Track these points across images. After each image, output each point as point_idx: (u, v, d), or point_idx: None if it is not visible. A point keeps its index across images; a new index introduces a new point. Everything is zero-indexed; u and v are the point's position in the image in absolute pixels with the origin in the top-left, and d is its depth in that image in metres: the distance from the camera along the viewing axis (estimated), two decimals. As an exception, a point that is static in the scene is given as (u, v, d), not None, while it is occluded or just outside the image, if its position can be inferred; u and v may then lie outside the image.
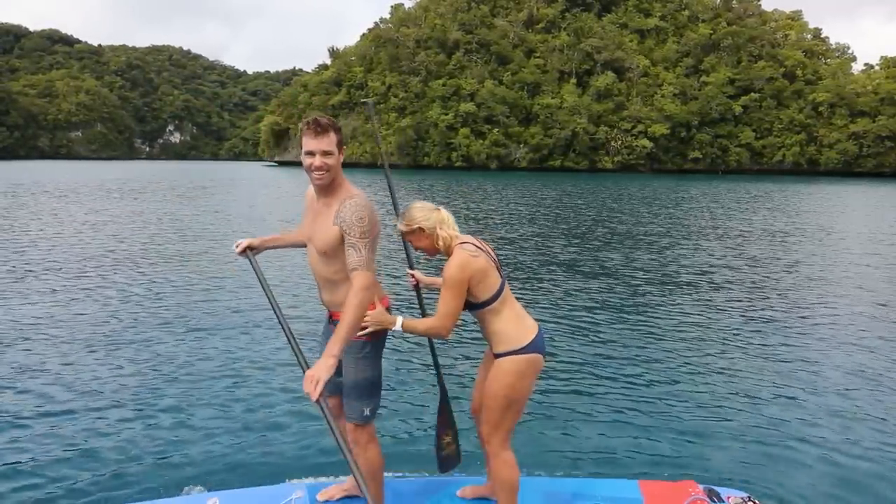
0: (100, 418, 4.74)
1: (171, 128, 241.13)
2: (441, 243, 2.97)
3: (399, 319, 2.92)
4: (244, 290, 9.43)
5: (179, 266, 11.50)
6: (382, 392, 3.14)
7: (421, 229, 2.97)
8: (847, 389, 5.66)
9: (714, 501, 3.45)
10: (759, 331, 7.62)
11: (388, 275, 10.85)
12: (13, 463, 4.06)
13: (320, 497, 3.38)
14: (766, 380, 5.89)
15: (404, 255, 3.40)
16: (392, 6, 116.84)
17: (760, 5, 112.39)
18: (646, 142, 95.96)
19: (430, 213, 2.99)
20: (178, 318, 7.73)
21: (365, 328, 2.87)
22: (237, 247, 3.22)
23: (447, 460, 3.49)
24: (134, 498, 3.60)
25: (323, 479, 3.75)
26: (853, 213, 26.74)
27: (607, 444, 4.53)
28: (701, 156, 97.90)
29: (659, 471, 4.12)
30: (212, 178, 55.45)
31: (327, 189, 2.85)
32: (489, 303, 2.93)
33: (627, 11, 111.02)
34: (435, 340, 3.50)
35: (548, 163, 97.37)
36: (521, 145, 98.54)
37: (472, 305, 2.95)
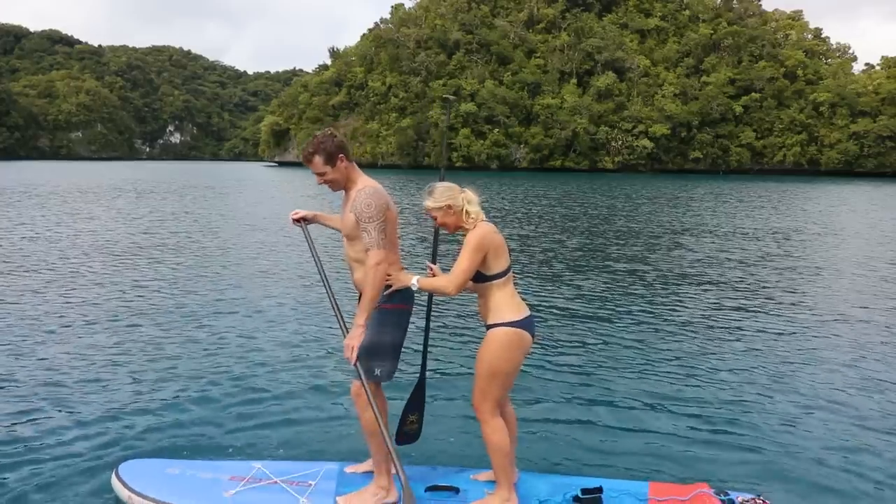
0: (157, 389, 5.39)
1: (171, 128, 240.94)
2: (471, 219, 3.26)
3: (415, 278, 3.28)
4: (278, 280, 10.23)
5: (221, 257, 12.58)
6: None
7: (448, 206, 3.26)
8: (868, 394, 5.57)
9: (722, 497, 3.45)
10: (781, 334, 7.54)
11: (410, 264, 11.22)
12: (77, 422, 4.71)
13: (348, 470, 3.75)
14: (787, 385, 5.80)
15: (429, 250, 3.77)
16: (392, 6, 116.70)
17: (761, 5, 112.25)
18: (646, 142, 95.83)
19: (457, 194, 3.28)
20: (213, 305, 8.40)
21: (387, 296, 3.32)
22: (294, 215, 3.70)
23: (406, 436, 3.76)
24: (187, 456, 4.10)
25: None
26: (861, 212, 26.67)
27: (624, 447, 4.48)
28: (702, 156, 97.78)
29: (675, 474, 4.07)
30: (216, 178, 55.97)
31: (345, 188, 3.36)
32: (497, 277, 3.24)
33: (628, 11, 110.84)
34: (430, 328, 3.77)
35: (548, 163, 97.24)
36: (522, 145, 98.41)
37: (482, 277, 3.24)
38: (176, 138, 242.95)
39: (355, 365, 3.14)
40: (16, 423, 4.65)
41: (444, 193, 3.26)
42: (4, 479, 3.87)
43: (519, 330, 3.23)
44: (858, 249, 15.20)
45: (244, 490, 3.48)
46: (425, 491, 3.51)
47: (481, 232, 3.19)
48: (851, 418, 5.02)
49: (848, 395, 5.52)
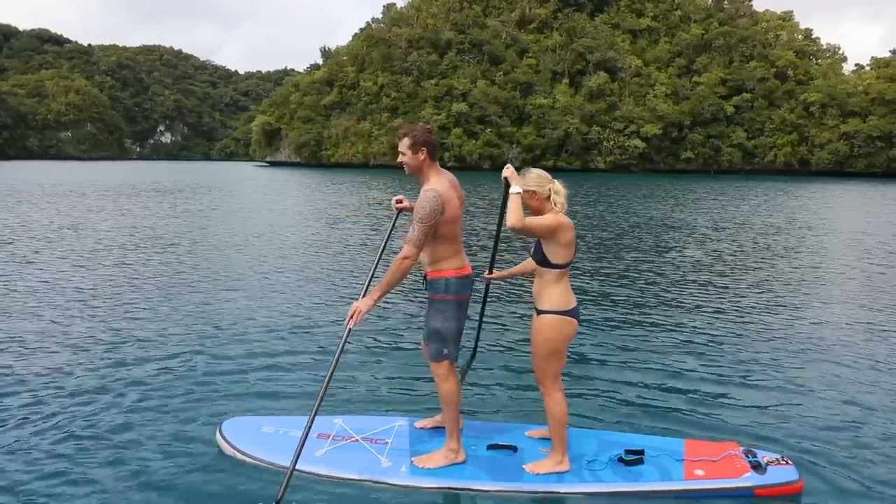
0: (245, 357, 6.14)
1: (161, 128, 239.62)
2: (557, 207, 3.66)
3: (519, 187, 3.62)
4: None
5: (279, 243, 13.95)
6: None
7: (534, 192, 3.66)
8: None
9: (749, 458, 3.83)
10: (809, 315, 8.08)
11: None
12: (183, 385, 5.37)
13: (417, 425, 4.35)
14: (817, 355, 6.35)
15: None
16: (384, 6, 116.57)
17: (752, 6, 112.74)
18: (638, 142, 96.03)
19: (545, 183, 3.69)
20: (288, 286, 9.45)
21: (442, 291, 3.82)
22: (398, 202, 4.15)
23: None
24: (278, 413, 4.67)
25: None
26: (863, 212, 26.76)
27: (664, 408, 5.02)
28: (693, 156, 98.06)
29: (708, 433, 4.50)
30: (217, 178, 56.19)
31: (420, 179, 3.81)
32: (560, 267, 3.69)
33: (620, 11, 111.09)
34: (486, 306, 4.47)
35: (541, 163, 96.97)
36: (514, 145, 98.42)
37: (547, 263, 3.69)
38: (166, 138, 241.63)
39: (348, 327, 3.60)
40: (133, 386, 5.30)
41: (533, 180, 3.69)
42: (128, 433, 4.42)
43: (566, 318, 3.72)
44: (862, 245, 15.24)
45: (332, 449, 4.03)
46: (487, 449, 4.07)
47: (563, 219, 3.63)
48: (880, 389, 5.42)
49: (880, 365, 6.00)
